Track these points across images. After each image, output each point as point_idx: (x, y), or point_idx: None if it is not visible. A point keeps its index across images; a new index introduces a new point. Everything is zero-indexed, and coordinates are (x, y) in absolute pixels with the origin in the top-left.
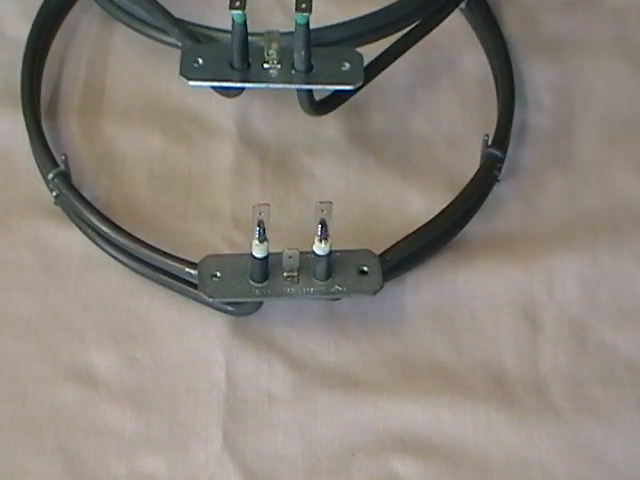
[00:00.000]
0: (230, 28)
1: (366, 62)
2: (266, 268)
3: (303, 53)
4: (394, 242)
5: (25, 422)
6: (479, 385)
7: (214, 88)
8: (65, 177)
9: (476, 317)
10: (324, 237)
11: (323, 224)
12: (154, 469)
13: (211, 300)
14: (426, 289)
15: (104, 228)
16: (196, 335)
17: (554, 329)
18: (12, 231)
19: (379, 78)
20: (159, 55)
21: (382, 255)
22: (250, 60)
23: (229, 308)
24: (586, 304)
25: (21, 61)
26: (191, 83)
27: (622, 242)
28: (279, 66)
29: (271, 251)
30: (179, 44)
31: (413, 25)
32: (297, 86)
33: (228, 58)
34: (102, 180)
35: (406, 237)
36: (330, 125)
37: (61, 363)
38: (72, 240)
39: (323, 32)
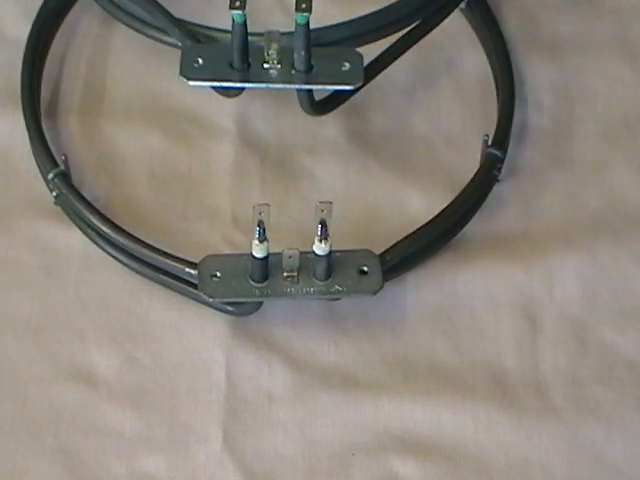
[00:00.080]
0: (230, 28)
1: (366, 62)
2: (266, 268)
3: (303, 53)
4: (394, 242)
5: (25, 422)
6: (479, 385)
7: (214, 88)
8: (65, 177)
9: (476, 317)
10: (324, 237)
11: (323, 224)
12: (154, 469)
13: (211, 300)
14: (426, 289)
15: (104, 228)
16: (196, 335)
17: (554, 329)
18: (12, 231)
19: (379, 78)
20: (159, 55)
21: (382, 255)
22: (250, 60)
23: (229, 308)
24: (586, 304)
25: (21, 61)
26: (191, 83)
27: (622, 242)
28: (279, 66)
29: (271, 251)
30: (179, 44)
31: (413, 25)
32: (297, 86)
33: (228, 58)
34: (102, 180)
35: (406, 237)
36: (330, 125)
37: (61, 363)
38: (72, 240)
39: (323, 32)
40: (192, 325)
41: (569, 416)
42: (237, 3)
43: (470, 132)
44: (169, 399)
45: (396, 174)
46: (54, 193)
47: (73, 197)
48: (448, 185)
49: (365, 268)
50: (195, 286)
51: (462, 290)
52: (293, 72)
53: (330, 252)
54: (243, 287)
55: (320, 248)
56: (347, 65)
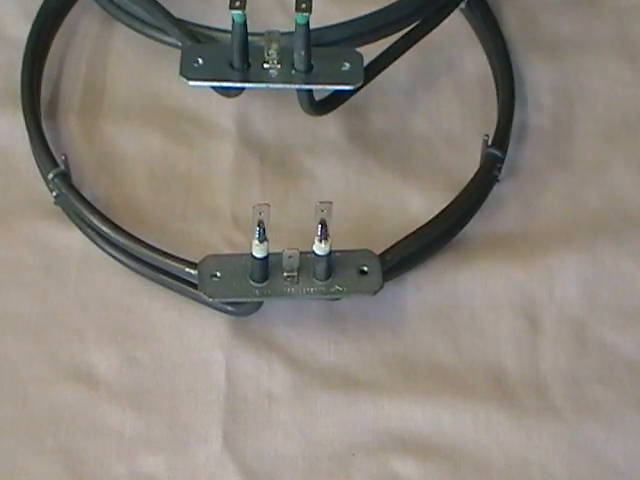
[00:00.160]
0: (230, 28)
1: (366, 62)
2: (266, 268)
3: (303, 53)
4: (394, 242)
5: (25, 422)
6: (479, 385)
7: (214, 88)
8: (65, 177)
9: (476, 317)
10: (324, 237)
11: (323, 224)
12: (154, 469)
13: (211, 300)
14: (426, 289)
15: (104, 228)
16: (196, 335)
17: (554, 329)
18: (12, 231)
19: (379, 78)
20: (159, 55)
21: (382, 255)
22: (250, 60)
23: (229, 308)
24: (586, 304)
25: (21, 61)
26: (191, 83)
27: (622, 242)
28: (279, 66)
29: (271, 251)
30: (179, 44)
31: (413, 25)
32: (297, 86)
33: (228, 58)
34: (102, 180)
35: (406, 237)
36: (330, 125)
37: (61, 363)
38: (72, 240)
39: (323, 32)
40: (192, 325)
41: (569, 416)
42: (237, 3)
43: (470, 132)
44: (169, 399)
45: (396, 174)
46: (54, 193)
47: (73, 197)
48: (448, 185)
49: (365, 268)
50: (195, 286)
51: (462, 290)
52: (293, 72)
53: (330, 252)
54: (243, 287)
55: (320, 248)
56: (347, 65)
